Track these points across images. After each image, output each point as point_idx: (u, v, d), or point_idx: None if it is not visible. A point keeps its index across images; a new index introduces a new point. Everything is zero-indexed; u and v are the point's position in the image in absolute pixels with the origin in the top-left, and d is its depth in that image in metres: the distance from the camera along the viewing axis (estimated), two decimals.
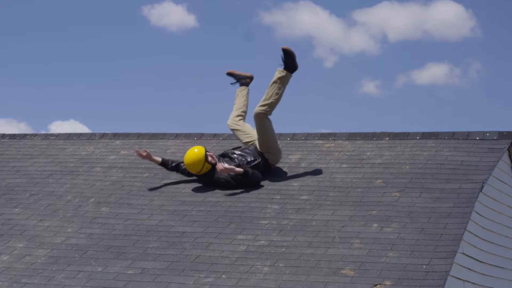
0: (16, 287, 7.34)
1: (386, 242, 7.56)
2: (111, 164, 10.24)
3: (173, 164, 9.55)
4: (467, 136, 9.89)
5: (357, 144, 10.13)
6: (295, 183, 9.16)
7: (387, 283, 6.82)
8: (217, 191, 9.11)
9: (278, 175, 9.41)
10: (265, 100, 9.39)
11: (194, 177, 9.46)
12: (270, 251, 7.64)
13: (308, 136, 10.51)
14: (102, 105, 32.17)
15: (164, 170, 9.80)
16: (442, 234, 7.59)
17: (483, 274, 8.36)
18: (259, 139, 9.42)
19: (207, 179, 9.25)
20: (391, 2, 29.53)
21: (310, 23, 30.08)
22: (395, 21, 29.13)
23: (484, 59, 30.34)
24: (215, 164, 9.19)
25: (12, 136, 11.69)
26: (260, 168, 9.24)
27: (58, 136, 11.53)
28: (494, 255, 8.78)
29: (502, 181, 9.37)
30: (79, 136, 11.45)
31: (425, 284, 6.72)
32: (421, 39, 29.91)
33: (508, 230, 9.39)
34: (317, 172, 9.40)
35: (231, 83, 10.08)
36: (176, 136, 11.05)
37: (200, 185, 9.29)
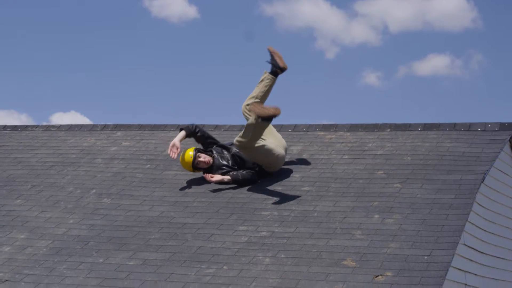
0: (18, 278, 7.35)
1: (387, 233, 7.56)
2: (113, 156, 10.24)
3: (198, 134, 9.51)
4: (468, 127, 9.88)
5: (358, 135, 10.13)
6: (296, 174, 9.16)
7: (389, 274, 6.83)
8: None
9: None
10: (242, 134, 8.87)
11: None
12: (272, 242, 7.65)
13: (309, 128, 10.50)
14: (103, 96, 32.16)
15: (166, 162, 9.80)
16: (443, 225, 7.59)
17: (485, 265, 8.36)
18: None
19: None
20: None
21: (311, 14, 30.04)
22: (397, 12, 29.09)
23: (486, 50, 30.30)
24: (206, 168, 9.17)
25: (14, 128, 11.69)
26: (255, 174, 9.09)
27: (60, 127, 11.53)
28: (495, 246, 8.78)
29: (504, 172, 9.37)
30: (80, 127, 11.45)
31: (427, 275, 6.72)
32: (422, 30, 29.86)
33: (510, 221, 9.39)
34: (318, 163, 9.40)
35: (267, 60, 9.38)
36: (178, 127, 11.03)
37: (202, 176, 9.28)
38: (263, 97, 9.24)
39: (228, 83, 31.68)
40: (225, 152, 9.25)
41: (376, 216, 7.95)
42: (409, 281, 6.66)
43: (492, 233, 8.70)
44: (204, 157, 9.16)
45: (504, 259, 9.08)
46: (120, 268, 7.39)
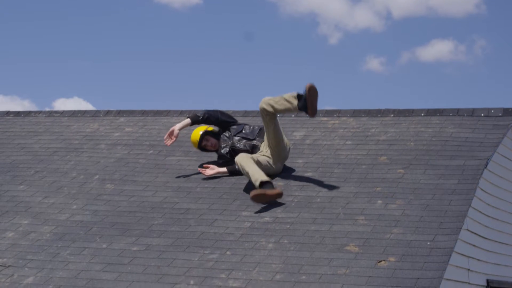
0: (22, 264, 7.37)
1: (390, 219, 7.56)
2: (116, 141, 10.25)
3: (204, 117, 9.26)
4: (471, 112, 9.87)
5: (361, 121, 10.12)
6: (299, 160, 9.16)
7: (392, 259, 6.84)
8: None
9: None
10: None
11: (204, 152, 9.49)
12: (275, 227, 7.65)
13: None
14: (105, 82, 32.16)
15: (169, 148, 9.80)
16: (446, 211, 7.59)
17: (487, 251, 8.37)
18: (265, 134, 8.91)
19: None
20: None
21: (314, 0, 29.98)
22: None
23: (489, 35, 30.25)
24: (212, 151, 9.18)
25: (17, 114, 11.69)
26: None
27: (63, 113, 11.53)
28: (498, 231, 8.78)
29: (507, 158, 9.37)
30: (83, 113, 11.45)
31: (429, 261, 6.73)
32: (425, 16, 29.80)
33: None
34: (321, 149, 9.40)
35: (300, 94, 8.58)
36: (181, 113, 11.04)
37: (205, 162, 9.29)
38: (277, 110, 8.66)
39: (231, 69, 31.66)
40: (232, 140, 9.09)
41: (379, 201, 7.95)
42: (412, 267, 6.67)
43: (495, 219, 8.70)
44: (211, 142, 9.15)
45: (507, 244, 9.08)
46: (124, 253, 7.41)
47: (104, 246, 7.58)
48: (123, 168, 9.40)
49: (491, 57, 30.71)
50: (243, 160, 8.47)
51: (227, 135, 9.12)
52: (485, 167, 8.42)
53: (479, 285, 8.07)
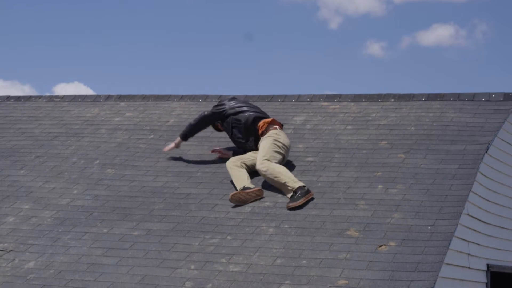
0: (23, 248, 7.38)
1: (391, 203, 7.57)
2: (116, 126, 10.24)
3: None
4: (472, 97, 9.86)
5: (362, 105, 10.11)
6: (300, 144, 9.16)
7: (392, 244, 6.84)
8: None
9: None
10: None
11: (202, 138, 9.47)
12: (275, 212, 7.66)
13: (313, 98, 10.48)
14: (106, 67, 32.13)
15: (170, 132, 9.80)
16: (447, 195, 7.59)
17: (488, 235, 8.38)
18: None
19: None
20: None
21: None
22: None
23: (490, 20, 30.19)
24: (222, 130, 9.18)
25: (17, 98, 11.69)
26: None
27: (63, 98, 11.52)
28: (498, 216, 8.78)
29: (508, 143, 9.36)
30: (84, 98, 11.44)
31: (430, 245, 6.74)
32: (426, 0, 29.74)
33: None
34: (322, 133, 9.39)
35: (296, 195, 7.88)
36: (181, 98, 11.03)
37: (205, 147, 9.29)
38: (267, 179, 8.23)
39: (231, 55, 31.59)
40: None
41: (380, 186, 7.95)
42: (412, 251, 6.68)
43: (496, 203, 8.70)
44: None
45: (507, 229, 9.08)
46: (124, 238, 7.42)
47: (105, 231, 7.59)
48: (123, 153, 9.40)
49: (492, 41, 30.68)
50: (230, 168, 8.37)
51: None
52: (486, 152, 8.42)
53: (479, 269, 8.08)
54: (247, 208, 7.79)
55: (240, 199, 7.90)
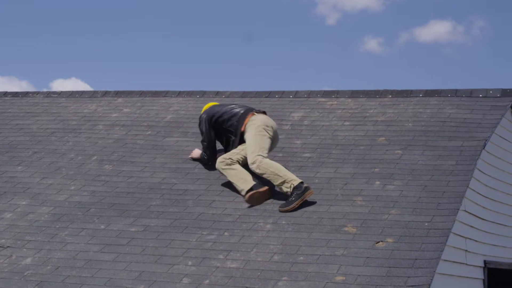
0: (20, 245, 7.38)
1: (388, 200, 7.57)
2: (114, 122, 10.23)
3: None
4: (470, 93, 9.86)
5: (359, 101, 10.11)
6: (297, 140, 9.16)
7: (389, 240, 6.85)
8: (220, 147, 9.11)
9: (281, 133, 9.41)
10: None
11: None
12: (273, 208, 7.66)
13: (310, 94, 10.48)
14: (103, 63, 32.11)
15: (167, 128, 9.80)
16: (444, 192, 7.60)
17: (485, 232, 8.38)
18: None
19: None
20: None
21: None
22: None
23: (487, 16, 30.20)
24: None
25: (15, 94, 11.68)
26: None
27: (60, 94, 11.51)
28: (496, 212, 8.79)
29: (505, 139, 9.37)
30: (81, 94, 11.43)
31: (427, 241, 6.74)
32: None
33: (510, 187, 9.40)
34: (319, 129, 9.39)
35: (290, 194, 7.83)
36: (179, 94, 11.03)
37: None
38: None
39: (228, 51, 31.57)
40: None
41: (377, 182, 7.95)
42: (409, 247, 6.68)
43: (493, 200, 8.71)
44: None
45: (504, 225, 9.09)
46: (122, 234, 7.42)
47: (102, 227, 7.59)
48: (121, 149, 9.39)
49: (490, 37, 30.70)
50: (223, 170, 8.18)
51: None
52: (483, 148, 8.42)
53: (477, 266, 8.09)
54: (244, 204, 7.79)
55: (258, 199, 7.77)
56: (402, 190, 7.73)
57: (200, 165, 8.76)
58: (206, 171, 8.61)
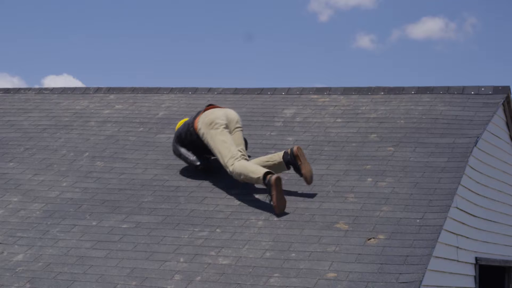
0: (11, 241, 7.36)
1: (380, 196, 7.58)
2: (106, 119, 10.22)
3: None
4: (462, 90, 9.88)
5: (352, 98, 10.12)
6: (289, 137, 9.16)
7: (381, 237, 6.86)
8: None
9: (273, 129, 9.41)
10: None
11: None
12: (265, 205, 7.66)
13: (303, 91, 10.49)
14: (95, 59, 32.06)
15: (159, 125, 9.80)
16: (436, 189, 7.61)
17: (476, 228, 8.40)
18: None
19: None
20: None
21: None
22: None
23: (479, 13, 30.24)
24: None
25: (6, 90, 11.65)
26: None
27: (52, 90, 11.49)
28: (487, 209, 8.82)
29: (497, 136, 9.39)
30: (73, 90, 11.42)
31: (419, 238, 6.75)
32: None
33: (502, 184, 9.42)
34: (311, 126, 9.40)
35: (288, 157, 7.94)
36: (171, 90, 11.02)
37: None
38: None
39: (220, 47, 31.55)
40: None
41: (369, 179, 7.96)
42: (401, 244, 6.69)
43: (484, 197, 8.73)
44: None
45: (496, 222, 9.12)
46: (113, 231, 7.41)
47: (94, 223, 7.58)
48: (113, 145, 9.38)
49: (482, 35, 30.75)
50: (243, 167, 7.85)
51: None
52: (475, 145, 8.44)
53: (468, 262, 8.11)
54: (236, 201, 7.79)
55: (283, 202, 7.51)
56: (394, 187, 7.74)
57: None
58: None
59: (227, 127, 8.23)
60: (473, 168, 8.39)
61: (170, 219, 7.53)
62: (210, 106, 8.46)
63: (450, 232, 7.47)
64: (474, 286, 8.36)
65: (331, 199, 7.65)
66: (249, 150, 8.87)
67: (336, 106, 9.93)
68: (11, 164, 9.09)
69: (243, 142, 8.24)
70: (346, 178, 8.04)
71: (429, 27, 31.04)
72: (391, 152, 8.53)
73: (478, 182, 8.52)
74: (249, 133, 9.33)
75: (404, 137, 8.86)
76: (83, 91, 11.35)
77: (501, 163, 9.43)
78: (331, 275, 6.36)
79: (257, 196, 7.85)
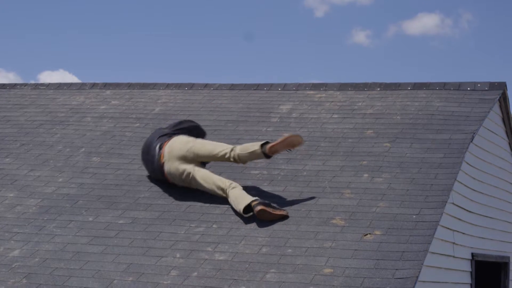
0: (7, 237, 7.36)
1: (376, 192, 7.58)
2: (102, 114, 10.22)
3: None
4: (458, 86, 9.88)
5: (348, 94, 10.12)
6: (286, 133, 9.15)
7: (377, 232, 6.86)
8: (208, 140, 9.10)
9: (269, 125, 9.41)
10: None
11: None
12: (261, 201, 7.65)
13: (299, 87, 10.48)
14: (91, 55, 32.02)
15: (155, 121, 9.79)
16: (432, 184, 7.62)
17: (473, 224, 8.41)
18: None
19: None
20: None
21: None
22: None
23: (475, 9, 30.26)
24: None
25: (2, 86, 11.64)
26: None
27: (48, 85, 11.48)
28: (483, 205, 8.83)
29: (493, 132, 9.40)
30: (69, 86, 11.40)
31: (415, 234, 6.76)
32: None
33: (498, 180, 9.44)
34: (308, 122, 9.40)
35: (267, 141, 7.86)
36: (167, 86, 11.01)
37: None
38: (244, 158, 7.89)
39: (216, 44, 31.54)
40: None
41: (365, 175, 7.97)
42: (397, 240, 6.70)
43: (481, 192, 8.74)
44: None
45: (492, 218, 9.13)
46: (110, 226, 7.41)
47: (90, 219, 7.58)
48: (109, 141, 9.38)
49: (478, 30, 30.76)
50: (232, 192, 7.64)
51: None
52: (471, 141, 8.45)
53: (464, 258, 8.12)
54: None
55: (267, 217, 7.28)
56: (390, 183, 7.75)
57: None
58: None
59: (190, 160, 7.95)
60: (470, 164, 8.40)
61: (166, 215, 7.53)
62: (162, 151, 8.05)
63: (446, 228, 7.48)
64: (470, 282, 8.37)
65: (328, 195, 7.65)
66: None
67: (332, 102, 9.94)
68: (7, 159, 9.08)
69: (208, 151, 7.95)
70: (342, 174, 8.04)
71: (425, 23, 31.07)
72: (388, 148, 8.54)
73: (474, 178, 8.53)
74: (245, 129, 9.33)
75: (400, 133, 8.86)
76: (79, 86, 11.34)
77: (497, 159, 9.44)
78: (327, 270, 6.36)
79: (253, 192, 7.85)
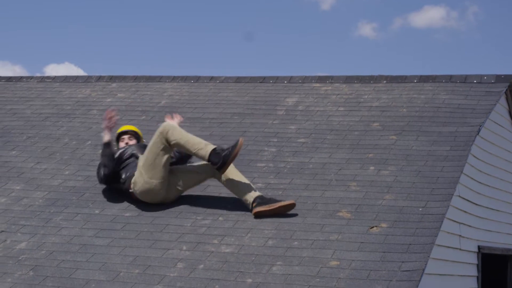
0: (14, 229, 7.37)
1: (382, 185, 7.58)
2: (108, 107, 10.22)
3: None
4: (464, 79, 9.87)
5: (354, 87, 10.11)
6: (292, 126, 9.16)
7: (384, 225, 6.86)
8: (214, 133, 9.11)
9: (275, 118, 9.41)
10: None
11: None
12: (267, 193, 7.66)
13: (305, 79, 10.48)
14: (97, 48, 32.03)
15: (161, 113, 9.79)
16: (438, 177, 7.61)
17: (479, 217, 8.41)
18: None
19: None
20: None
21: None
22: None
23: (481, 1, 30.17)
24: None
25: (8, 79, 11.65)
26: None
27: (55, 78, 11.49)
28: (490, 198, 8.82)
29: (499, 124, 9.38)
30: (75, 78, 11.41)
31: (421, 227, 6.76)
32: None
33: (504, 173, 9.43)
34: (314, 115, 9.40)
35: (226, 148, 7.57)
36: (173, 79, 11.01)
37: (197, 128, 9.28)
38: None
39: (221, 37, 31.53)
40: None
41: (372, 168, 7.96)
42: (404, 233, 6.70)
43: (487, 185, 8.73)
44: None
45: (498, 211, 9.12)
46: (116, 219, 7.42)
47: (97, 211, 7.59)
48: (115, 134, 9.36)
49: (484, 23, 30.70)
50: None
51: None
52: (477, 134, 8.44)
53: (471, 251, 8.12)
54: None
55: (267, 215, 7.22)
56: (397, 176, 7.74)
57: None
58: None
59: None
60: (476, 157, 8.39)
61: (172, 208, 7.54)
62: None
63: (453, 220, 7.47)
64: (476, 274, 8.37)
65: (334, 187, 7.65)
66: (252, 138, 8.88)
67: (338, 94, 9.93)
68: (13, 152, 9.09)
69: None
70: (348, 167, 8.04)
71: (431, 16, 31.00)
72: (394, 140, 8.53)
73: (480, 171, 8.52)
74: (251, 122, 9.33)
75: (406, 125, 8.86)
76: (85, 79, 11.35)
77: (503, 152, 9.43)
78: (333, 263, 6.36)
79: (259, 184, 7.85)
